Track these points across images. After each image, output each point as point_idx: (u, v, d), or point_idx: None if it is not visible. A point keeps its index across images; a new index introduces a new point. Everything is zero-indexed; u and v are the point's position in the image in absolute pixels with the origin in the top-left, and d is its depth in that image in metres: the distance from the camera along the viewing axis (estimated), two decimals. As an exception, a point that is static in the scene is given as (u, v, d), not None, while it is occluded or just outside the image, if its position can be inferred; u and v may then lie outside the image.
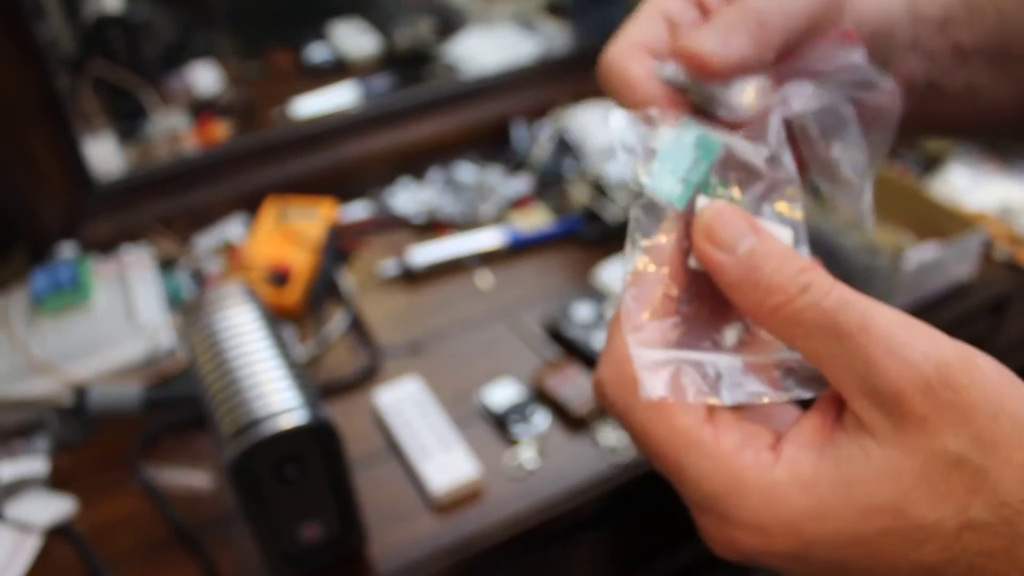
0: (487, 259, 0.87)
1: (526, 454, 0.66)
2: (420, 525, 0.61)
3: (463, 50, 1.17)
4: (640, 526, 0.72)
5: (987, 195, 0.91)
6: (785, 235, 0.28)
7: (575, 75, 1.07)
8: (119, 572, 0.59)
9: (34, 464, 0.65)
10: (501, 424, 0.68)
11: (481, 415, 0.69)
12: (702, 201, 0.28)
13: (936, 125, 0.42)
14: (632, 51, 0.32)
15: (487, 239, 0.87)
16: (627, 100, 0.31)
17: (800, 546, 0.24)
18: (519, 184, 0.94)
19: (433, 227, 0.91)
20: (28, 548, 0.60)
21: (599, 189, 0.90)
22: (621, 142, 0.29)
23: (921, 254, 0.74)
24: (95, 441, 0.69)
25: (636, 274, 0.27)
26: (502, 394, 0.70)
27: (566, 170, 0.94)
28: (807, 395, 0.26)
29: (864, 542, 0.24)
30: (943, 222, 0.79)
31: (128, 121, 0.97)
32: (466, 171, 0.96)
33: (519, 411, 0.68)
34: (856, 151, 0.31)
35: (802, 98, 0.31)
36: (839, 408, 0.26)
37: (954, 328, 0.85)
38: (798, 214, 0.29)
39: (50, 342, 0.73)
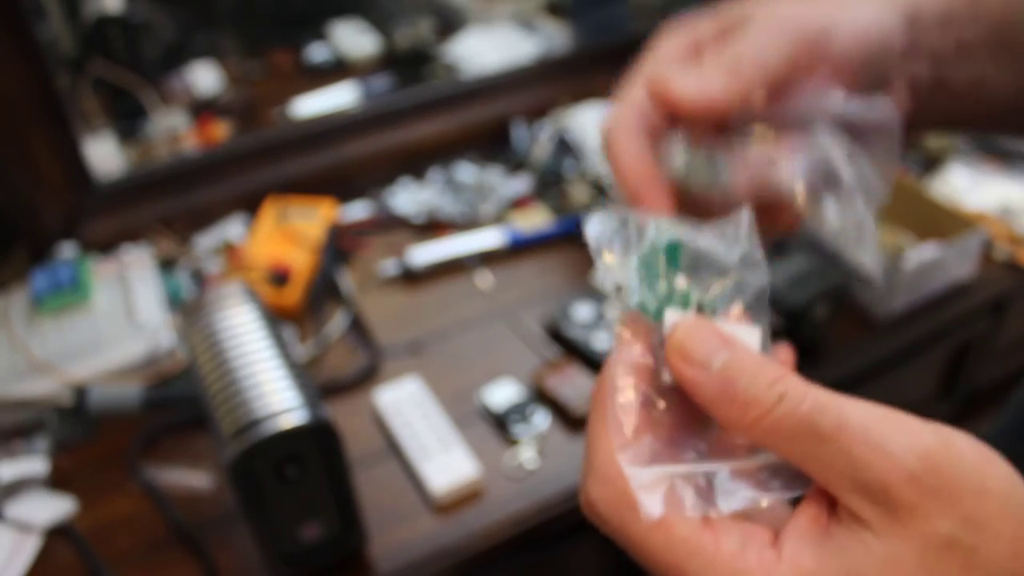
0: (487, 259, 0.87)
1: (526, 454, 0.66)
2: (420, 525, 0.61)
3: (463, 50, 1.17)
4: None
5: (987, 195, 0.91)
6: (754, 337, 0.29)
7: (575, 75, 1.08)
8: (119, 572, 0.59)
9: (34, 464, 0.65)
10: (501, 424, 0.68)
11: (481, 415, 0.69)
12: (672, 315, 0.29)
13: (944, 120, 0.42)
14: (627, 128, 0.33)
15: (487, 239, 0.87)
16: (619, 185, 0.33)
17: None
18: (519, 184, 0.94)
19: (433, 227, 0.91)
20: (28, 548, 0.60)
21: (599, 189, 0.90)
22: (597, 246, 0.31)
23: (921, 254, 0.74)
24: (95, 441, 0.69)
25: (620, 390, 0.29)
26: (502, 394, 0.70)
27: (566, 170, 0.94)
28: (797, 494, 0.27)
29: None
30: (943, 222, 0.79)
31: (128, 121, 0.97)
32: (466, 171, 0.96)
33: (519, 411, 0.68)
34: (856, 211, 0.32)
35: (799, 157, 0.32)
36: (831, 500, 0.26)
37: (954, 328, 0.85)
38: (765, 315, 0.30)
39: (50, 342, 0.73)
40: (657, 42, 0.37)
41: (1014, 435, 0.60)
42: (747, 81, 0.32)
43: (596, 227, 0.31)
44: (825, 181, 0.33)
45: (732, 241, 0.30)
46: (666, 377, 0.29)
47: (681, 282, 0.30)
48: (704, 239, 0.31)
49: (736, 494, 0.27)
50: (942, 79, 0.39)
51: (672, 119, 0.35)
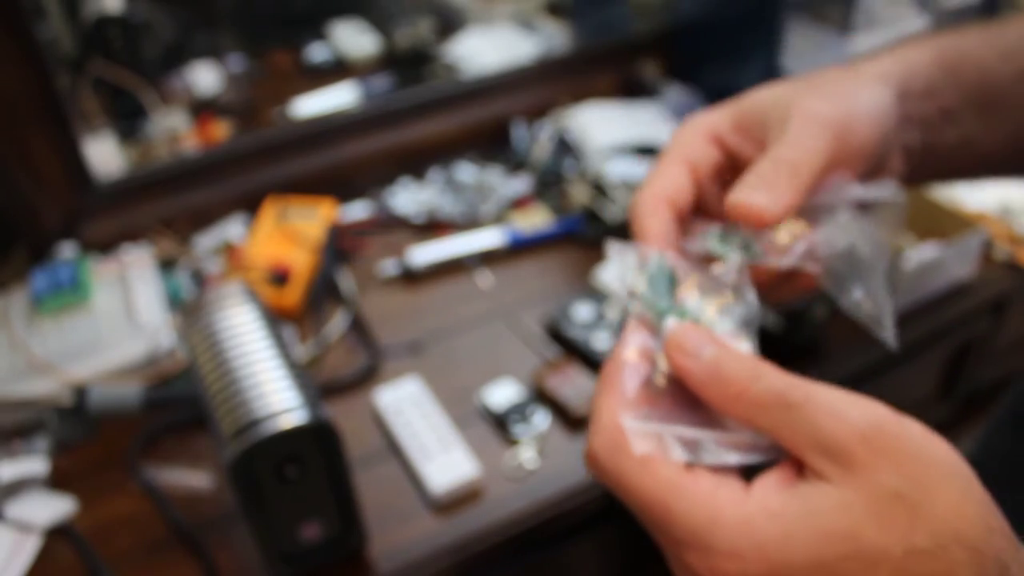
0: (487, 259, 0.87)
1: (526, 454, 0.66)
2: (420, 525, 0.61)
3: (463, 50, 1.17)
4: (640, 526, 0.72)
5: (987, 195, 0.91)
6: (745, 348, 0.34)
7: (575, 75, 1.08)
8: (119, 572, 0.59)
9: (34, 464, 0.65)
10: (501, 424, 0.68)
11: (481, 415, 0.69)
12: (672, 321, 0.34)
13: (938, 176, 0.46)
14: (655, 204, 0.38)
15: (487, 239, 0.87)
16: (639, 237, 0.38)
17: (771, 570, 0.28)
18: (519, 184, 0.94)
19: (433, 227, 0.91)
20: (28, 548, 0.60)
21: (599, 189, 0.90)
22: (616, 265, 0.37)
23: (921, 254, 0.74)
24: (95, 441, 0.69)
25: (627, 361, 0.33)
26: (502, 394, 0.70)
27: (566, 170, 0.94)
28: (770, 459, 0.31)
29: (825, 565, 0.27)
30: (943, 222, 0.79)
31: (128, 121, 0.97)
32: (466, 171, 0.96)
33: (519, 411, 0.68)
34: (876, 289, 0.37)
35: (828, 239, 0.37)
36: (799, 468, 0.30)
37: (954, 328, 0.85)
38: (753, 337, 0.35)
39: (50, 342, 0.73)
40: (679, 129, 0.41)
41: (1015, 420, 0.60)
42: (807, 187, 0.36)
43: (617, 246, 0.37)
44: (848, 262, 0.37)
45: (725, 277, 0.36)
46: (662, 366, 0.33)
47: (688, 303, 0.35)
48: (703, 276, 0.36)
49: (717, 454, 0.31)
50: (932, 143, 0.43)
51: (700, 202, 0.40)
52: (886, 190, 0.38)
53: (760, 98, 0.41)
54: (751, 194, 0.35)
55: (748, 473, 0.32)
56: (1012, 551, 0.28)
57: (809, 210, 0.38)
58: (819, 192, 0.38)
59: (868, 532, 0.27)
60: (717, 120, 0.41)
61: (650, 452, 0.31)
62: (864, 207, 0.39)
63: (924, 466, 0.28)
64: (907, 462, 0.28)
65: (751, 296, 0.36)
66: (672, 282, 0.36)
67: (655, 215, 0.38)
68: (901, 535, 0.27)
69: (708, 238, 0.38)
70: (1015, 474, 0.34)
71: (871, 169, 0.41)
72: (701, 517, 0.29)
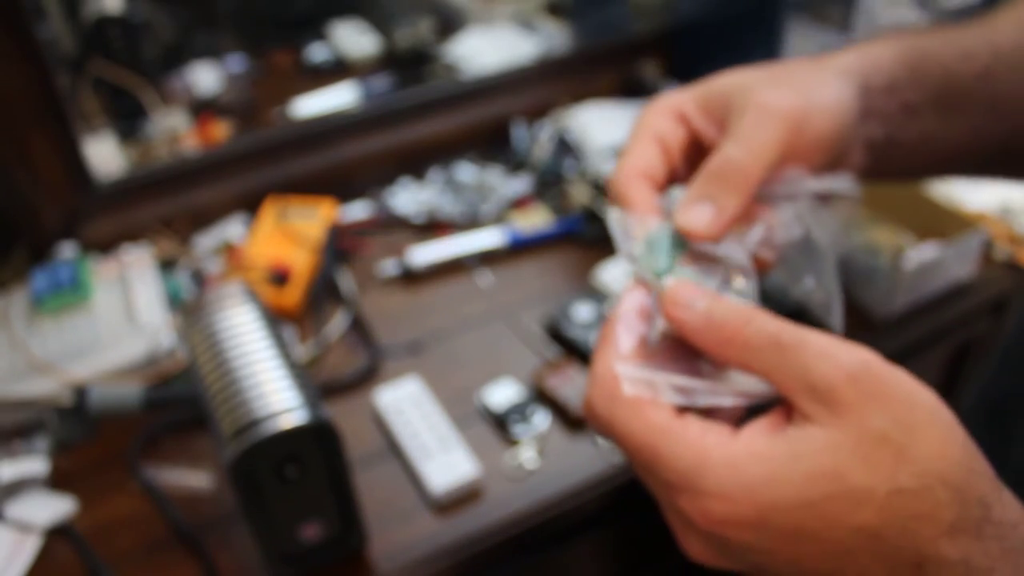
0: (487, 259, 0.87)
1: (526, 454, 0.66)
2: (420, 525, 0.61)
3: (463, 50, 1.17)
4: (640, 526, 0.72)
5: (987, 195, 0.91)
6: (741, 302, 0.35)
7: (575, 75, 1.07)
8: (119, 572, 0.59)
9: (34, 464, 0.65)
10: (501, 424, 0.68)
11: (481, 415, 0.69)
12: (669, 280, 0.35)
13: (900, 171, 0.48)
14: (632, 179, 0.40)
15: (487, 239, 0.87)
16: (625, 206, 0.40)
17: (759, 511, 0.29)
18: (519, 184, 0.94)
19: (433, 227, 0.91)
20: (28, 548, 0.60)
21: (599, 189, 0.90)
22: (617, 231, 0.39)
23: (921, 254, 0.74)
24: (95, 441, 0.69)
25: (623, 318, 0.35)
26: (502, 394, 0.70)
27: (566, 170, 0.94)
28: (760, 401, 0.32)
29: (811, 505, 0.28)
30: (943, 222, 0.79)
31: (128, 121, 0.97)
32: (466, 171, 0.96)
33: (519, 411, 0.68)
34: (827, 278, 0.38)
35: (784, 228, 0.38)
36: (788, 414, 0.31)
37: (954, 328, 0.85)
38: (751, 296, 0.36)
39: (50, 342, 0.73)
40: (648, 108, 0.43)
41: (987, 415, 0.61)
42: (754, 188, 0.38)
43: (617, 213, 0.39)
44: (802, 250, 0.39)
45: (728, 247, 0.37)
46: (660, 325, 0.34)
47: (680, 262, 0.37)
48: (701, 248, 0.38)
49: (709, 398, 0.32)
50: (893, 138, 0.44)
51: (672, 176, 0.42)
52: (842, 183, 0.40)
53: (724, 83, 0.42)
54: (694, 213, 0.37)
55: (739, 423, 0.32)
56: (994, 493, 0.29)
57: (766, 198, 0.39)
58: (774, 183, 0.39)
59: (854, 472, 0.28)
60: (683, 100, 0.42)
61: (641, 395, 0.32)
62: (821, 199, 0.40)
63: (909, 409, 0.29)
64: (893, 405, 0.29)
65: (750, 275, 0.37)
66: (675, 247, 0.37)
67: (635, 188, 0.40)
68: (886, 476, 0.28)
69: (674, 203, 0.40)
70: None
71: (831, 161, 0.41)
72: (690, 460, 0.30)
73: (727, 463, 0.29)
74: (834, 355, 0.29)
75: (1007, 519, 0.28)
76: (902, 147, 0.45)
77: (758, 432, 0.30)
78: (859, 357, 0.30)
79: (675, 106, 0.42)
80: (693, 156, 0.42)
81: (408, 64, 1.17)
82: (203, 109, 1.06)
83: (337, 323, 0.79)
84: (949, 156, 0.46)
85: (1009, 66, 0.44)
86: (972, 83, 0.44)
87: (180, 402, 0.68)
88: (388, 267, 0.85)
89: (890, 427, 0.28)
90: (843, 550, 0.28)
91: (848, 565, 0.28)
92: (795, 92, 0.40)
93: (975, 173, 0.51)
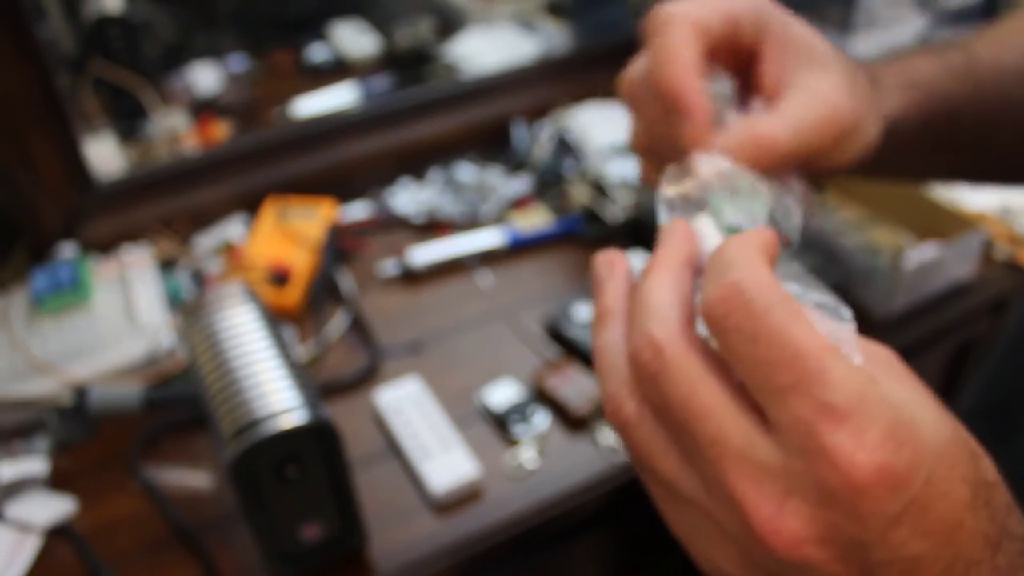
0: (487, 259, 0.87)
1: (526, 454, 0.66)
2: (420, 525, 0.61)
3: (463, 50, 1.17)
4: (640, 526, 0.72)
5: (987, 195, 0.91)
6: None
7: (575, 75, 1.07)
8: (119, 572, 0.59)
9: (34, 464, 0.65)
10: (501, 424, 0.68)
11: (481, 415, 0.69)
12: (714, 236, 0.32)
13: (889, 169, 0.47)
14: (693, 79, 0.36)
15: (487, 239, 0.87)
16: (685, 117, 0.36)
17: (917, 456, 0.24)
18: (519, 184, 0.94)
19: (433, 227, 0.91)
20: (28, 548, 0.60)
21: (599, 189, 0.90)
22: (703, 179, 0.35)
23: (921, 254, 0.74)
24: (95, 441, 0.69)
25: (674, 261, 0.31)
26: (502, 394, 0.70)
27: (566, 170, 0.94)
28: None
29: (947, 456, 0.25)
30: (943, 222, 0.79)
31: (128, 121, 0.97)
32: (466, 171, 0.96)
33: (519, 411, 0.68)
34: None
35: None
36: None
37: (954, 328, 0.85)
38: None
39: (50, 342, 0.73)
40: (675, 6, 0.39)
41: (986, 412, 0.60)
42: (777, 168, 0.35)
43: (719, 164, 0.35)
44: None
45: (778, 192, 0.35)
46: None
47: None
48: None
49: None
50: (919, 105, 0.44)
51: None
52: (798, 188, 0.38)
53: (764, 19, 0.39)
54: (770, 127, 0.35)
55: None
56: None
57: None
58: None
59: (949, 422, 0.26)
60: (711, 27, 0.39)
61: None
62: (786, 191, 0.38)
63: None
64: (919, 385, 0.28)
65: (794, 209, 0.35)
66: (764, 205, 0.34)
67: (698, 93, 0.36)
68: (963, 435, 0.26)
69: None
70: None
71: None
72: (862, 380, 0.24)
73: (899, 391, 0.26)
74: (871, 343, 0.29)
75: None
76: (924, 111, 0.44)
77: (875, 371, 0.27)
78: (888, 350, 0.29)
79: (702, 33, 0.38)
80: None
81: (408, 64, 1.17)
82: (203, 109, 1.06)
83: (337, 323, 0.79)
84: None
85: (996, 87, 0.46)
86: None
87: (180, 402, 0.68)
88: (388, 267, 0.85)
89: (935, 402, 0.27)
90: (959, 518, 0.24)
91: (957, 547, 0.24)
92: (855, 99, 0.38)
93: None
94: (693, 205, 0.34)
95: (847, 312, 0.29)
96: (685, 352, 0.27)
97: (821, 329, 0.26)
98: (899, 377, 0.27)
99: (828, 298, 0.29)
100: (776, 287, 0.26)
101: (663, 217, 0.35)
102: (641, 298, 0.29)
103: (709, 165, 0.34)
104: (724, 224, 0.32)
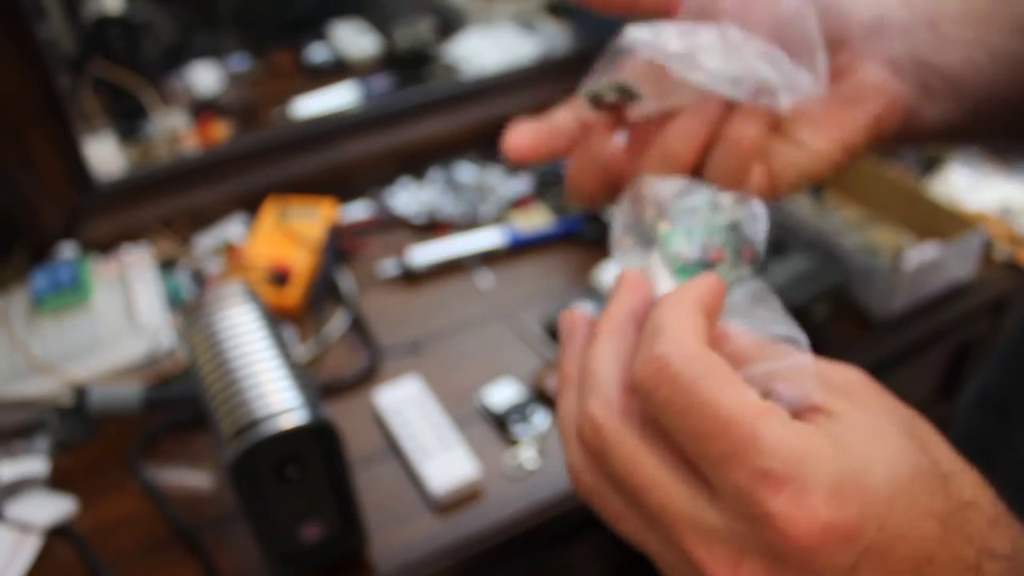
0: (487, 259, 0.87)
1: (526, 454, 0.66)
2: (420, 525, 0.61)
3: (463, 50, 1.17)
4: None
5: (987, 195, 0.91)
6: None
7: (575, 75, 1.07)
8: (119, 572, 0.59)
9: (34, 464, 0.65)
10: (501, 424, 0.68)
11: (481, 415, 0.69)
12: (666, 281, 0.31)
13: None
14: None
15: (487, 239, 0.87)
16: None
17: (874, 508, 0.24)
18: (519, 184, 0.94)
19: (433, 227, 0.91)
20: (28, 548, 0.60)
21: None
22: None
23: (921, 254, 0.74)
24: (95, 441, 0.69)
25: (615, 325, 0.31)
26: (502, 394, 0.70)
27: (566, 170, 0.94)
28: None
29: (905, 493, 0.24)
30: (943, 222, 0.79)
31: (128, 121, 0.97)
32: (466, 171, 0.96)
33: (519, 411, 0.68)
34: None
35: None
36: (807, 413, 0.27)
37: (954, 328, 0.85)
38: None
39: (50, 342, 0.73)
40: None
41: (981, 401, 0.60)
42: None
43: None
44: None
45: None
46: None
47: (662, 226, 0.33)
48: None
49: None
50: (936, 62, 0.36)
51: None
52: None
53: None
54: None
55: None
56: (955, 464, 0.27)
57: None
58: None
59: (913, 453, 0.25)
60: None
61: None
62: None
63: (904, 407, 0.28)
64: (897, 404, 0.28)
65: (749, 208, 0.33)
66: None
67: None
68: (932, 459, 0.26)
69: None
70: (985, 458, 0.31)
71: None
72: (798, 443, 0.24)
73: (833, 446, 0.24)
74: (838, 366, 0.29)
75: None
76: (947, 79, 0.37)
77: (820, 423, 0.26)
78: (856, 371, 0.29)
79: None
80: None
81: (408, 64, 1.17)
82: (203, 109, 1.06)
83: (337, 323, 0.79)
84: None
85: None
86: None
87: (180, 402, 0.68)
88: (388, 267, 0.85)
89: (906, 418, 0.27)
90: (926, 553, 0.24)
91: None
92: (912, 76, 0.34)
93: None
94: (647, 240, 0.33)
95: (804, 339, 0.28)
96: (621, 429, 0.27)
97: (778, 366, 0.27)
98: (863, 405, 0.27)
99: (785, 327, 0.29)
100: (703, 356, 0.26)
101: (617, 260, 0.34)
102: (585, 370, 0.29)
103: (662, 188, 0.33)
104: (677, 262, 0.31)
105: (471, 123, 1.01)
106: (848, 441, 0.25)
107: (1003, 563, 0.25)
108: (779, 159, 0.34)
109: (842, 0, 0.34)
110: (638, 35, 0.31)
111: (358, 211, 0.92)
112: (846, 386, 0.27)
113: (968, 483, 0.26)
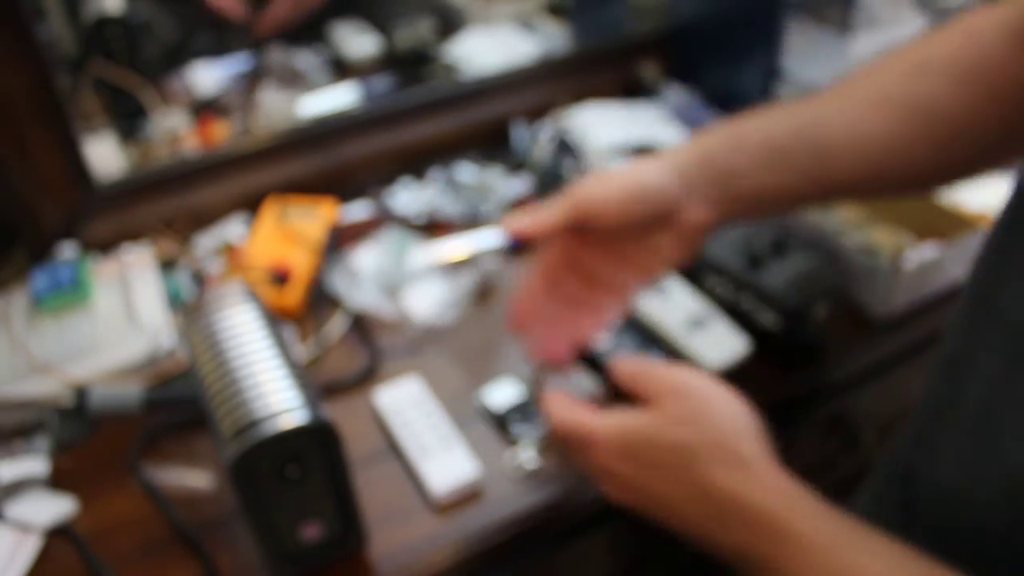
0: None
1: (526, 454, 0.66)
2: (420, 525, 0.61)
3: (463, 50, 1.17)
4: (640, 526, 0.72)
5: (987, 195, 0.91)
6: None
7: (575, 75, 1.08)
8: (119, 572, 0.59)
9: (34, 464, 0.65)
10: (501, 424, 0.68)
11: (481, 415, 0.69)
12: None
13: (755, 211, 0.55)
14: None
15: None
16: None
17: (626, 447, 0.49)
18: (519, 184, 0.94)
19: (433, 227, 0.91)
20: (28, 548, 0.60)
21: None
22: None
23: (921, 254, 0.74)
24: (95, 441, 0.69)
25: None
26: (502, 394, 0.70)
27: (566, 170, 0.94)
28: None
29: (652, 441, 0.48)
30: (943, 222, 0.79)
31: (128, 121, 0.97)
32: (466, 171, 0.96)
33: (519, 411, 0.68)
34: None
35: None
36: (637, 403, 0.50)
37: (954, 328, 0.84)
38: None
39: (50, 342, 0.73)
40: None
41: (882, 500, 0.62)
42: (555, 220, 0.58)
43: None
44: None
45: None
46: None
47: None
48: None
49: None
50: (732, 194, 0.53)
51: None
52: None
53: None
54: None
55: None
56: (757, 454, 0.45)
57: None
58: None
59: (671, 426, 0.47)
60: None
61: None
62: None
63: (705, 400, 0.47)
64: (691, 398, 0.47)
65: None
66: None
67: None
68: (688, 429, 0.46)
69: None
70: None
71: (658, 214, 0.53)
72: (613, 426, 0.49)
73: (609, 429, 0.49)
74: (690, 372, 0.49)
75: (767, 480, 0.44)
76: (745, 197, 0.54)
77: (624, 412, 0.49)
78: (681, 377, 0.48)
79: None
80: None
81: (408, 64, 1.17)
82: (203, 109, 1.06)
83: (337, 323, 0.79)
84: (790, 198, 0.54)
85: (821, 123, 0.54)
86: (790, 140, 0.53)
87: (180, 402, 0.68)
88: (388, 267, 0.85)
89: (688, 409, 0.47)
90: (668, 468, 0.46)
91: (674, 484, 0.46)
92: (598, 179, 0.55)
93: (816, 203, 0.66)
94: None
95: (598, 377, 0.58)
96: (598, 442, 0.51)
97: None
98: (683, 399, 0.48)
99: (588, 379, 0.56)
100: (566, 416, 0.51)
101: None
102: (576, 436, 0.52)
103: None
104: None
105: (471, 123, 1.01)
106: (636, 432, 0.48)
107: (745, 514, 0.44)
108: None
109: (651, 186, 0.54)
110: None
111: (358, 211, 0.92)
112: (680, 387, 0.48)
113: (738, 479, 0.44)
